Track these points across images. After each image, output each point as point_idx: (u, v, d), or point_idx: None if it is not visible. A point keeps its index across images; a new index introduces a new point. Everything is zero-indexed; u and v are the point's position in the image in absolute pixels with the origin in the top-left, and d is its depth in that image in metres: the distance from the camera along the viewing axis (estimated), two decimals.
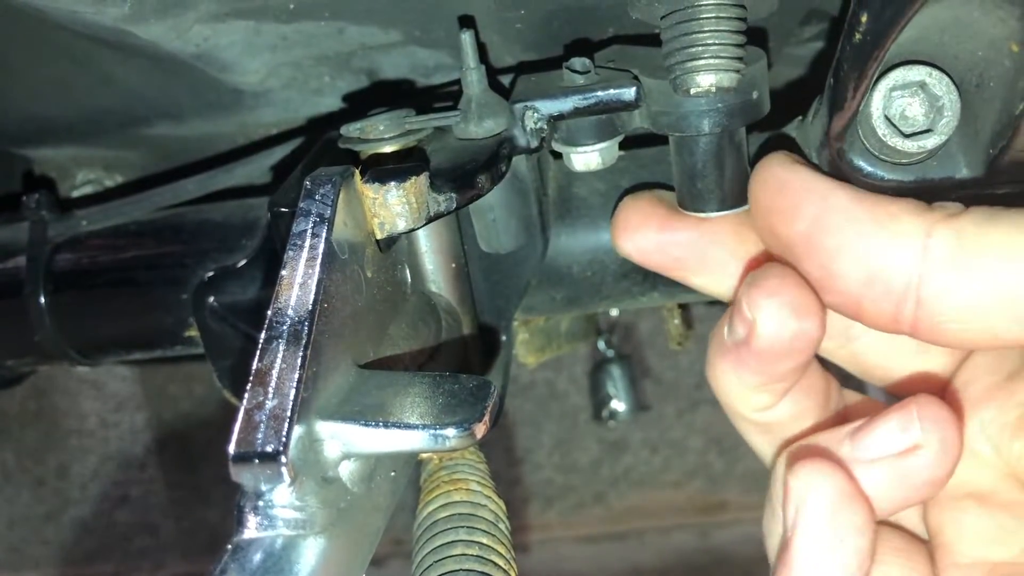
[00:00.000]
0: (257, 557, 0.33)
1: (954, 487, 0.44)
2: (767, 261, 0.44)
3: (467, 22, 0.53)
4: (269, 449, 0.33)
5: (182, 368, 1.73)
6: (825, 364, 0.49)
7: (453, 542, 0.42)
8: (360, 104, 0.62)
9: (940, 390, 0.46)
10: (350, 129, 0.48)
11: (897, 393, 0.48)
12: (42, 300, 0.64)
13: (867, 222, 0.38)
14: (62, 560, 1.87)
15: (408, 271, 0.49)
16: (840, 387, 0.49)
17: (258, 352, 0.36)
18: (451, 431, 0.37)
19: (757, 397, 0.44)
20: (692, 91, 0.44)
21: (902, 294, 0.37)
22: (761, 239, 0.44)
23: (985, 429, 0.44)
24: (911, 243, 0.37)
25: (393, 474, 0.42)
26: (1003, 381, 0.44)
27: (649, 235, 0.48)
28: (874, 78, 0.42)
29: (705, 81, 0.44)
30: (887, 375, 0.48)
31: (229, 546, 0.34)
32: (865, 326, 0.40)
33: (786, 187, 0.41)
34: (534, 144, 0.49)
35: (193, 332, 0.63)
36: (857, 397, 0.50)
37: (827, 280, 0.39)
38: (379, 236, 0.43)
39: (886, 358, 0.48)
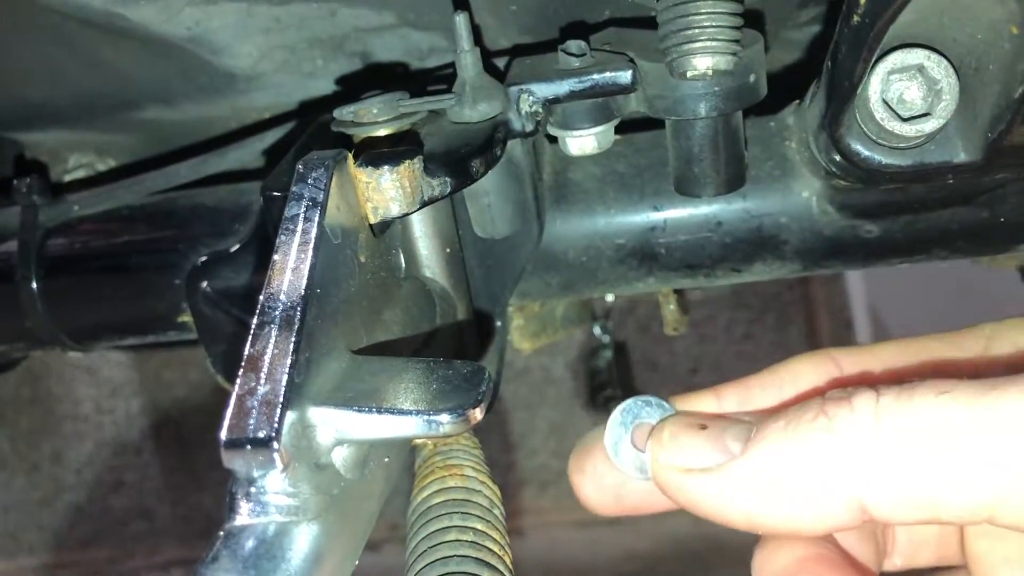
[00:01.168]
0: (249, 543, 0.33)
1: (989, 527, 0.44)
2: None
3: (461, 4, 0.52)
4: (261, 435, 0.33)
5: (177, 353, 1.73)
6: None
7: (447, 528, 0.42)
8: (353, 87, 0.62)
9: None
10: (343, 112, 0.47)
11: None
12: (34, 285, 0.63)
13: (796, 511, 0.37)
14: (57, 545, 1.87)
15: (402, 256, 0.49)
16: None
17: (250, 337, 0.35)
18: (445, 417, 0.36)
19: None
20: (688, 74, 0.44)
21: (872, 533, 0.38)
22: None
23: None
24: (848, 506, 0.36)
25: (387, 460, 0.42)
26: None
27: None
28: (872, 61, 0.42)
29: (702, 64, 0.43)
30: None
31: (221, 532, 0.33)
32: None
33: (697, 497, 0.39)
34: (529, 128, 0.48)
35: (186, 317, 0.62)
36: None
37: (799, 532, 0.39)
38: (372, 221, 0.43)
39: None
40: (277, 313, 0.36)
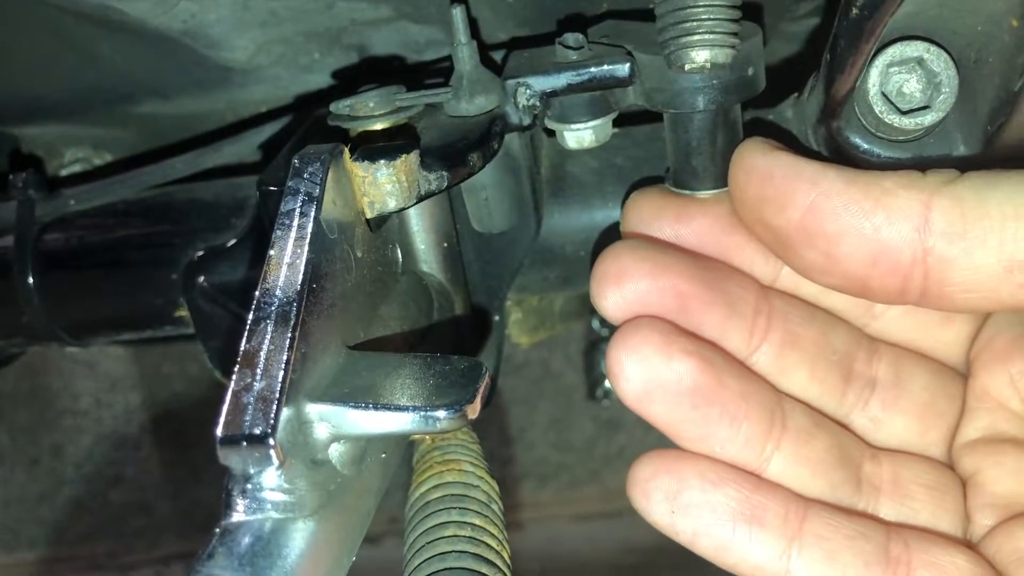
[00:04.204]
0: (246, 540, 0.33)
1: (991, 435, 0.44)
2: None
3: None
4: (257, 432, 0.33)
5: (176, 347, 1.72)
6: None
7: (445, 523, 0.42)
8: (350, 81, 0.62)
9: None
10: (339, 106, 0.47)
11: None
12: (30, 280, 0.63)
13: (864, 202, 0.37)
14: (57, 540, 1.87)
15: (399, 251, 0.49)
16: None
17: (246, 333, 0.35)
18: (442, 413, 0.36)
19: None
20: (687, 67, 0.44)
21: (908, 269, 0.37)
22: (749, 229, 0.43)
23: (1015, 383, 0.44)
24: (912, 218, 0.37)
25: (384, 456, 0.42)
26: None
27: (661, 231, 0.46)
28: (871, 54, 0.42)
29: (700, 57, 0.43)
30: (912, 348, 0.48)
31: (217, 529, 0.33)
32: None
33: (772, 176, 0.39)
34: (527, 121, 0.48)
35: (183, 312, 0.62)
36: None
37: (829, 265, 0.39)
38: (369, 215, 0.43)
39: (910, 332, 0.47)
40: (273, 309, 0.36)
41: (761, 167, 0.40)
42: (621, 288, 0.43)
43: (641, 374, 0.41)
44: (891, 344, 0.48)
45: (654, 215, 0.46)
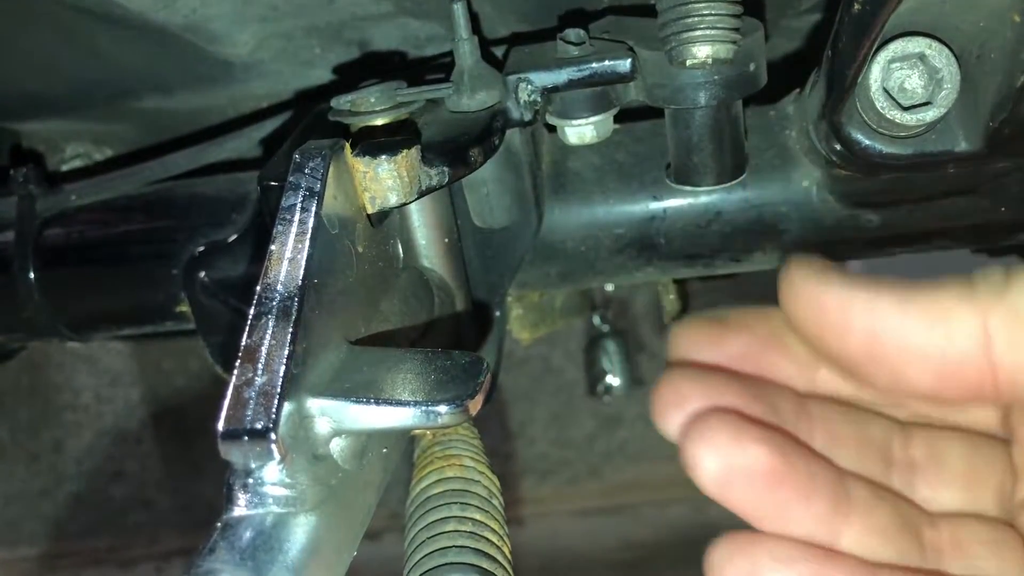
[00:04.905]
0: (247, 535, 0.33)
1: None
2: None
3: None
4: (258, 426, 0.33)
5: (177, 343, 1.72)
6: None
7: (446, 518, 0.42)
8: (351, 76, 0.62)
9: None
10: (341, 102, 0.47)
11: None
12: (31, 276, 0.63)
13: (922, 326, 0.39)
14: (57, 535, 1.87)
15: (400, 246, 0.48)
16: None
17: (247, 328, 0.35)
18: (443, 408, 0.36)
19: None
20: (688, 63, 0.44)
21: (977, 381, 0.39)
22: (814, 351, 0.44)
23: None
24: (972, 336, 0.38)
25: (385, 451, 0.42)
26: None
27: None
28: (873, 50, 0.42)
29: (701, 52, 0.43)
30: (946, 425, 0.49)
31: (218, 524, 0.33)
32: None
33: (825, 308, 0.41)
34: (528, 117, 0.48)
35: (184, 307, 0.62)
36: None
37: (898, 385, 0.40)
38: (370, 210, 0.43)
39: (939, 414, 0.49)
40: (274, 304, 0.36)
41: (812, 298, 0.41)
42: (683, 410, 0.45)
43: (718, 463, 0.42)
44: (924, 425, 0.49)
45: (693, 344, 0.48)
